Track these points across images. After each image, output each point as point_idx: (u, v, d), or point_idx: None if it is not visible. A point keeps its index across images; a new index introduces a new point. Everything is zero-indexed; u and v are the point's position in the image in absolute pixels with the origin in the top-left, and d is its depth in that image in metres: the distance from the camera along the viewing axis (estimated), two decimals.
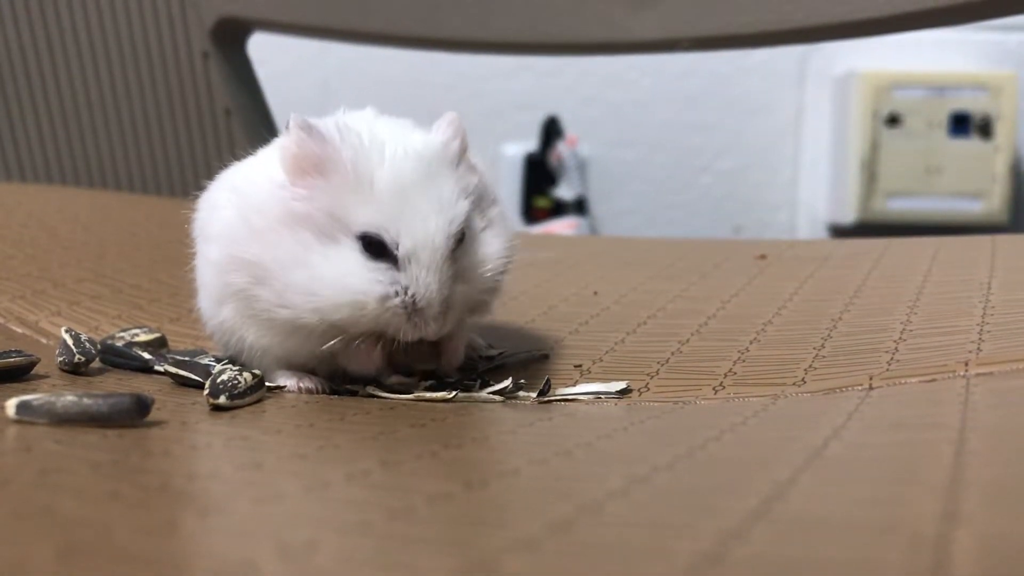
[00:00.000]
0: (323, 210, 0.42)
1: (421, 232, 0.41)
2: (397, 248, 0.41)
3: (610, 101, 1.59)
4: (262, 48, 1.08)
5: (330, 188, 0.42)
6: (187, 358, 0.49)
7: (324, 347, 0.43)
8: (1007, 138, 1.45)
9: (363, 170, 0.41)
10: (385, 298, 0.41)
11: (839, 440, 0.32)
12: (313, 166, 0.42)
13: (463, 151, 0.44)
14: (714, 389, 0.45)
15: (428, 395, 0.44)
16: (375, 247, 0.41)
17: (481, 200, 0.45)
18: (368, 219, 0.41)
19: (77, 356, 0.47)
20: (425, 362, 0.46)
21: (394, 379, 0.46)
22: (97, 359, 0.49)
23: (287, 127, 0.42)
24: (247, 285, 0.43)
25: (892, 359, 0.45)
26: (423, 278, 0.41)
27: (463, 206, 0.43)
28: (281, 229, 0.42)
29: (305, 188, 0.42)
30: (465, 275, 0.43)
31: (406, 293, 0.41)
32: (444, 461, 0.32)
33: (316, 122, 0.43)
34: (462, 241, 0.43)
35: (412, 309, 0.41)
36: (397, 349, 0.44)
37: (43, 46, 1.02)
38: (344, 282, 0.41)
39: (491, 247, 0.44)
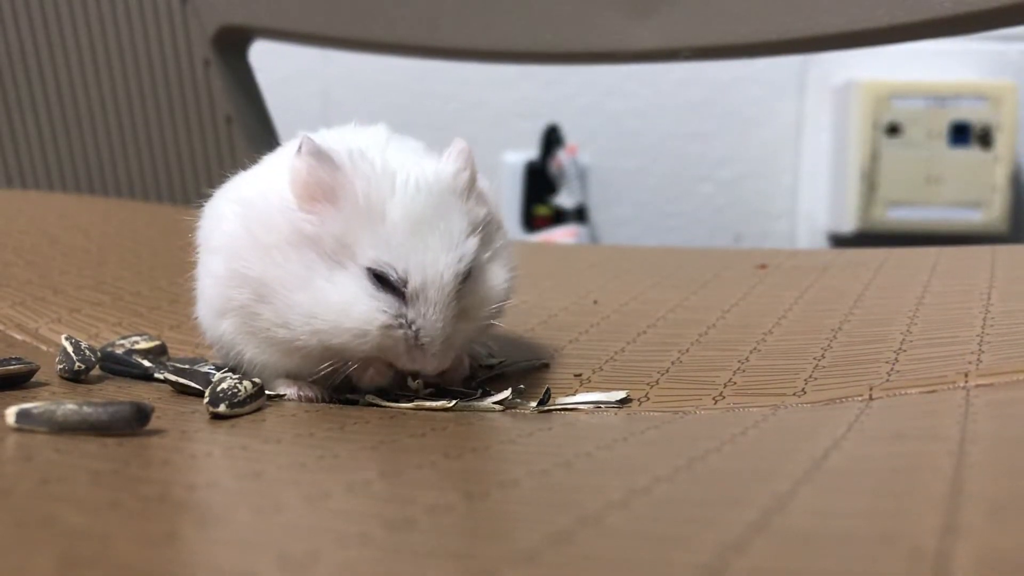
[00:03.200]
0: (331, 235, 0.41)
1: (431, 270, 0.41)
2: (405, 285, 0.41)
3: (610, 110, 1.59)
4: (263, 56, 1.08)
5: (340, 216, 0.41)
6: (187, 366, 0.49)
7: (321, 369, 0.43)
8: (1007, 148, 1.46)
9: (374, 201, 0.41)
10: (388, 328, 0.41)
11: (839, 451, 0.32)
12: (323, 193, 0.42)
13: (472, 181, 0.44)
14: (714, 399, 0.45)
15: (428, 404, 0.44)
16: (382, 280, 0.41)
17: (488, 231, 0.45)
18: (377, 254, 0.41)
19: (77, 364, 0.47)
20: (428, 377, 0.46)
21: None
22: (97, 367, 0.49)
23: (298, 151, 0.42)
24: (249, 302, 0.43)
25: (892, 370, 0.45)
26: (429, 315, 0.41)
27: (472, 243, 0.43)
28: (287, 248, 0.42)
29: (314, 213, 0.42)
30: (468, 313, 0.43)
31: (410, 327, 0.41)
32: (444, 471, 0.32)
33: (327, 146, 0.42)
34: (468, 275, 0.43)
35: (413, 343, 0.41)
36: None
37: (44, 53, 1.02)
38: (348, 308, 0.41)
39: (495, 282, 0.44)
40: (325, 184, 0.41)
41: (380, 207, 0.41)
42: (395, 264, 0.41)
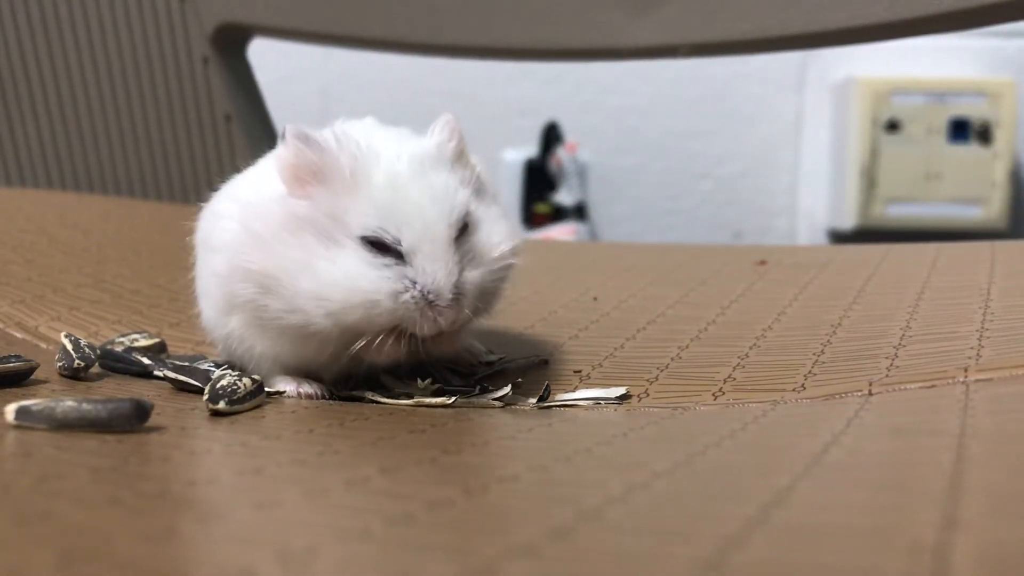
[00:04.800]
0: (324, 214, 0.42)
1: (420, 224, 0.41)
2: (400, 244, 0.41)
3: (610, 107, 1.59)
4: (262, 54, 1.08)
5: (329, 193, 0.42)
6: (186, 363, 0.49)
7: (340, 358, 0.43)
8: (1006, 144, 1.46)
9: (360, 174, 0.42)
10: (396, 294, 0.41)
11: (838, 446, 0.32)
12: (311, 175, 0.42)
13: (460, 150, 0.45)
14: (714, 395, 0.45)
15: (427, 400, 0.44)
16: (378, 246, 0.41)
17: (482, 192, 0.45)
18: (366, 221, 0.41)
19: (77, 361, 0.47)
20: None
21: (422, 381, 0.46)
22: (96, 364, 0.49)
23: (282, 137, 0.42)
24: (255, 296, 0.43)
25: (892, 365, 0.45)
26: (429, 269, 0.41)
27: (461, 195, 0.43)
28: (285, 236, 0.42)
29: (305, 197, 0.42)
30: (474, 260, 0.43)
31: (415, 287, 0.41)
32: (444, 467, 0.32)
33: (312, 131, 0.43)
34: (466, 230, 0.43)
35: (425, 302, 0.41)
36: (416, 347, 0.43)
37: (43, 52, 1.02)
38: (354, 284, 0.41)
39: (497, 233, 0.44)
40: (313, 165, 0.42)
41: (366, 180, 0.42)
42: (386, 226, 0.41)
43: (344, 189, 0.42)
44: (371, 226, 0.41)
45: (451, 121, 0.45)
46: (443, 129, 0.45)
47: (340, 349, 0.43)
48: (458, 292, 0.42)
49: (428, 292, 0.41)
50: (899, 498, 0.26)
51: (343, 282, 0.41)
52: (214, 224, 0.46)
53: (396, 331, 0.42)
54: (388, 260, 0.41)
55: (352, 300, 0.41)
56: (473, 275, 0.43)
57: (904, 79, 1.47)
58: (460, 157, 0.45)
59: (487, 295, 0.44)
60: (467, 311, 0.42)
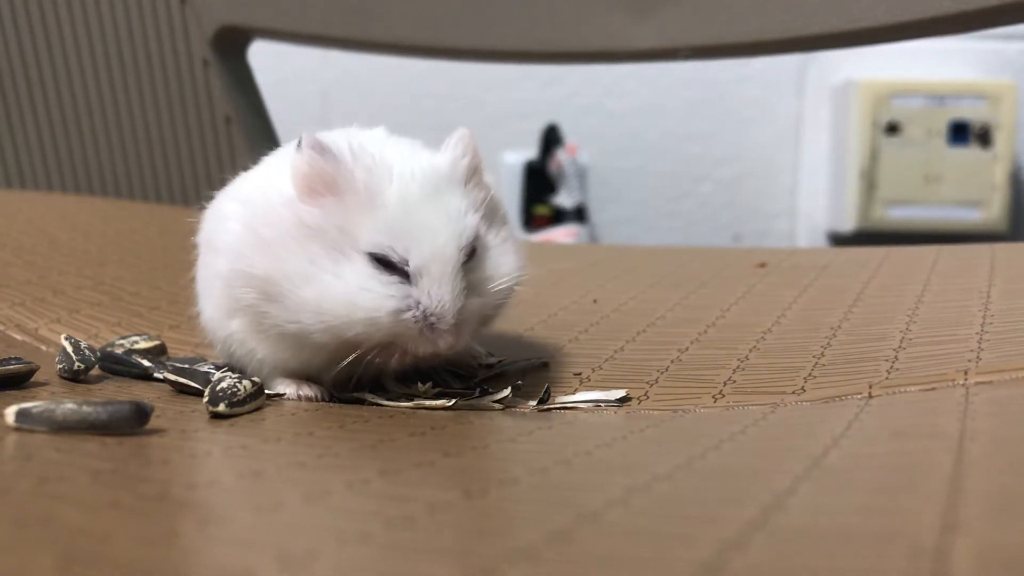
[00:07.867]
0: (334, 226, 0.41)
1: (430, 246, 0.41)
2: (407, 265, 0.41)
3: (610, 109, 1.59)
4: (262, 56, 1.08)
5: (341, 206, 0.42)
6: (187, 365, 0.49)
7: (340, 364, 0.43)
8: (1006, 147, 1.46)
9: (374, 190, 0.42)
10: (398, 312, 0.41)
11: (838, 449, 0.32)
12: (324, 185, 0.42)
13: (475, 168, 0.44)
14: (713, 398, 0.45)
15: (428, 403, 0.44)
16: (385, 264, 0.41)
17: (492, 216, 0.45)
18: (376, 238, 0.41)
19: (77, 363, 0.47)
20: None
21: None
22: (96, 366, 0.49)
23: (298, 144, 0.42)
24: (256, 301, 0.43)
25: (892, 368, 0.45)
26: (435, 292, 0.41)
27: (472, 219, 0.43)
28: (290, 243, 0.42)
29: (316, 207, 0.42)
30: (478, 288, 0.43)
31: (418, 307, 0.41)
32: (443, 470, 0.32)
33: (327, 141, 0.43)
34: (473, 255, 0.43)
35: (425, 323, 0.41)
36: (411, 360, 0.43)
37: (44, 54, 1.02)
38: (356, 299, 0.41)
39: (503, 260, 0.44)
40: (326, 176, 0.42)
41: (379, 195, 0.42)
42: (395, 245, 0.41)
43: (356, 203, 0.41)
44: (380, 243, 0.41)
45: (466, 137, 0.45)
46: (457, 145, 0.44)
47: (338, 358, 0.43)
48: (460, 318, 0.42)
49: (431, 314, 0.41)
50: (899, 501, 0.26)
51: (345, 296, 0.41)
52: (218, 225, 0.46)
53: (392, 346, 0.42)
54: (394, 278, 0.41)
55: (353, 315, 0.41)
56: (475, 303, 0.43)
57: (904, 81, 1.47)
58: (474, 175, 0.44)
59: (487, 321, 0.45)
60: (465, 337, 0.43)
